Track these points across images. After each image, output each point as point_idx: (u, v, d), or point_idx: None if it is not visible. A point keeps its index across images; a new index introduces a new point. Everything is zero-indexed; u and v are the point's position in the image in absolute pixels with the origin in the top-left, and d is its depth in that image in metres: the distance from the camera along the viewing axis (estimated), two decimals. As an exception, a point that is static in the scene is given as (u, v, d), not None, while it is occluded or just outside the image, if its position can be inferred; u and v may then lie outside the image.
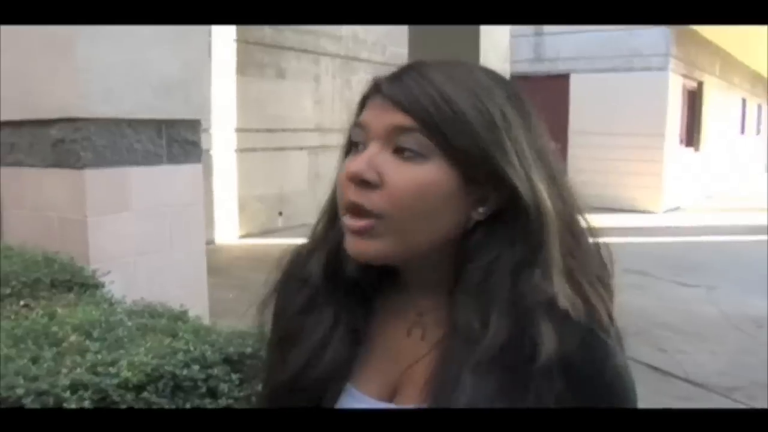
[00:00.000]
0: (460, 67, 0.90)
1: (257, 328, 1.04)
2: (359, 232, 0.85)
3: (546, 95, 14.14)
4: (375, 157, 0.85)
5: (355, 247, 0.87)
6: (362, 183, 0.84)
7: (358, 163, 0.84)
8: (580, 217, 0.91)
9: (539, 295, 0.82)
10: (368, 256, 0.87)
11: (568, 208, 0.89)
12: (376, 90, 0.89)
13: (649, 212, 13.05)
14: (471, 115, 0.84)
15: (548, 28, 14.02)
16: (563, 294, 0.82)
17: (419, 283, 0.92)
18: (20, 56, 3.31)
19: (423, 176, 0.83)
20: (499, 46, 8.08)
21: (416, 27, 7.89)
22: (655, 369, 4.72)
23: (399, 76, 0.88)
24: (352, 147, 0.90)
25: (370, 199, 0.84)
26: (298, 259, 1.00)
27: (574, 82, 14.03)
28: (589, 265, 0.88)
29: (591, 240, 0.91)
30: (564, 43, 13.82)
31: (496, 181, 0.84)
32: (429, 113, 0.83)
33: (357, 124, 0.89)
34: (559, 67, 14.11)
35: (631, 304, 6.26)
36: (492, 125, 0.84)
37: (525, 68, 13.57)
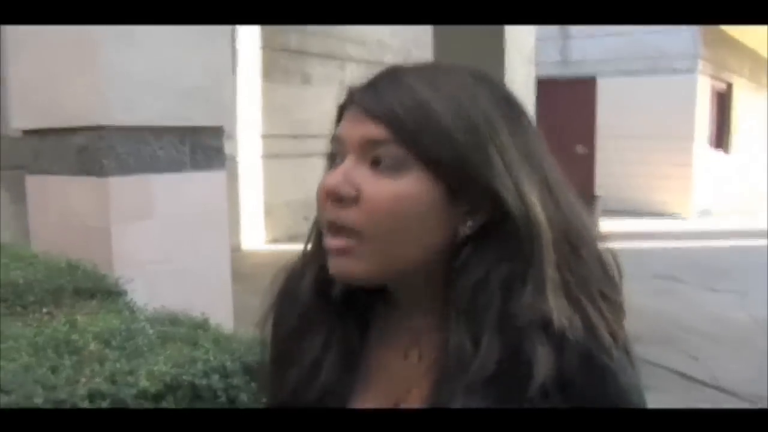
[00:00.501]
0: (439, 70, 0.85)
1: (260, 346, 1.01)
2: (339, 252, 0.81)
3: (572, 99, 14.08)
4: (351, 171, 0.81)
5: (335, 267, 0.83)
6: (339, 199, 0.80)
7: (333, 178, 0.81)
8: (580, 226, 0.84)
9: (532, 314, 0.77)
10: (349, 277, 0.83)
11: (566, 216, 0.83)
12: (351, 100, 0.85)
13: (678, 216, 12.91)
14: (448, 121, 0.79)
15: (575, 31, 13.93)
16: (559, 311, 0.77)
17: (412, 303, 0.87)
18: (45, 64, 3.33)
19: (401, 189, 0.79)
20: (524, 49, 8.03)
21: (441, 31, 7.88)
22: (686, 377, 4.64)
23: (373, 83, 0.84)
24: (332, 161, 0.86)
25: (348, 216, 0.80)
26: (291, 276, 0.97)
27: (601, 85, 13.94)
28: (589, 278, 0.82)
29: (596, 249, 0.85)
30: (590, 46, 13.73)
31: (480, 191, 0.79)
32: (402, 122, 0.79)
33: (333, 138, 0.85)
34: (586, 70, 14.02)
35: (660, 311, 6.21)
36: (473, 131, 0.79)
37: (551, 71, 13.49)
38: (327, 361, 0.90)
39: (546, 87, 11.82)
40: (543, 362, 0.75)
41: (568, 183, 0.88)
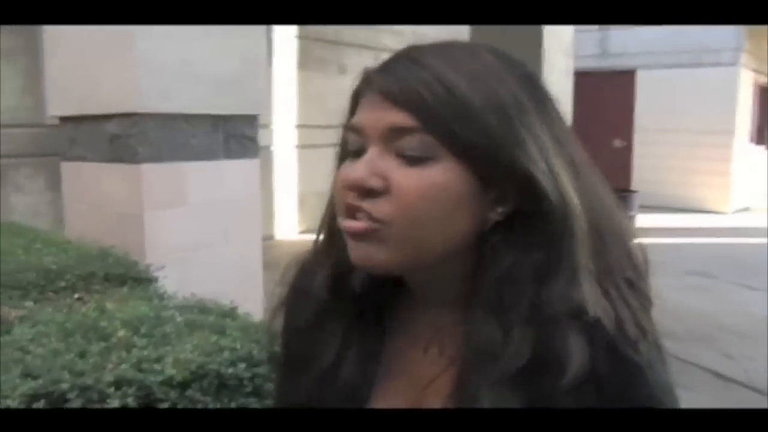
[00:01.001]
0: (460, 49, 0.79)
1: (267, 346, 0.98)
2: (361, 236, 0.76)
3: (611, 92, 13.93)
4: (377, 162, 0.75)
5: (358, 253, 0.77)
6: (365, 191, 0.75)
7: (358, 170, 0.75)
8: (608, 213, 0.80)
9: (565, 303, 0.73)
10: (373, 264, 0.78)
11: (593, 203, 0.78)
12: (368, 84, 0.79)
13: (717, 212, 12.72)
14: (478, 103, 0.73)
15: (614, 23, 13.77)
16: (593, 301, 0.73)
17: (433, 297, 0.83)
18: (80, 53, 3.35)
19: (433, 179, 0.74)
20: (562, 41, 7.95)
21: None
22: (719, 375, 4.56)
23: (391, 65, 0.79)
24: (347, 153, 0.80)
25: (375, 207, 0.75)
26: (303, 272, 0.92)
27: (641, 78, 13.76)
28: (615, 267, 0.78)
29: (623, 239, 0.81)
30: (630, 38, 13.55)
31: (514, 176, 0.74)
32: (429, 106, 0.73)
33: (350, 128, 0.79)
34: (625, 63, 13.85)
35: (695, 308, 6.13)
36: (504, 113, 0.74)
37: (590, 64, 13.35)
38: (346, 361, 0.87)
39: (584, 80, 11.69)
40: (577, 355, 0.72)
41: (595, 168, 0.84)
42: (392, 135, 0.76)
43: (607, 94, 13.91)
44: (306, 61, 9.49)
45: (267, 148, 7.94)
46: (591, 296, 0.74)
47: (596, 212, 0.79)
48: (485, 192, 0.76)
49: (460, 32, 8.15)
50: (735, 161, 13.07)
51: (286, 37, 9.14)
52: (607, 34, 14.04)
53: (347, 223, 0.77)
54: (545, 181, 0.74)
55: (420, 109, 0.74)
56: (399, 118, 0.75)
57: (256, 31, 3.69)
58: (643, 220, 8.50)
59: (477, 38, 7.80)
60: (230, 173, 3.56)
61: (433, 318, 0.84)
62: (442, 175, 0.74)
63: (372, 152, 0.76)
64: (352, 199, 0.77)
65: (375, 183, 0.75)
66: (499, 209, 0.77)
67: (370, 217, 0.76)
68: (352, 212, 0.77)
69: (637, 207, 7.65)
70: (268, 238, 7.14)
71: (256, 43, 3.70)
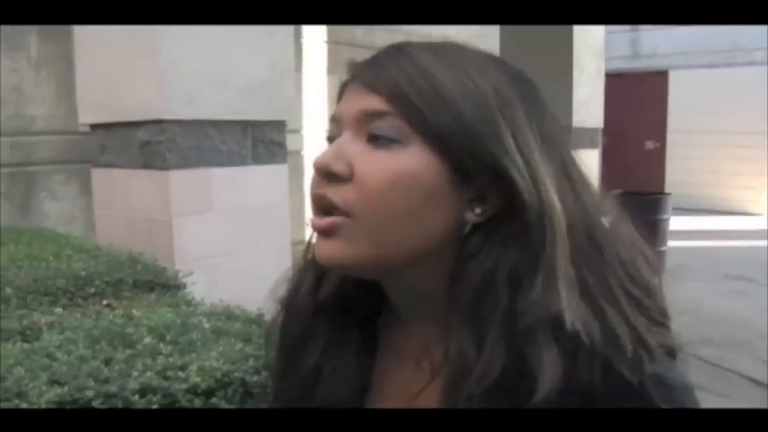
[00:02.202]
0: (448, 45, 0.78)
1: (265, 360, 0.97)
2: (326, 232, 0.73)
3: (643, 93, 13.80)
4: (345, 147, 0.73)
5: (321, 250, 0.75)
6: (330, 176, 0.73)
7: (324, 155, 0.73)
8: (604, 224, 0.75)
9: (540, 311, 0.68)
10: (338, 262, 0.74)
11: (588, 211, 0.74)
12: (352, 75, 0.79)
13: (752, 214, 12.52)
14: (454, 90, 0.71)
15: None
16: (572, 311, 0.68)
17: (418, 312, 0.80)
18: (110, 61, 3.39)
19: (399, 165, 0.71)
20: (593, 42, 7.87)
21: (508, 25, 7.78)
22: (757, 383, 4.47)
23: (376, 56, 0.77)
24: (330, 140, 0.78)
25: (339, 194, 0.72)
26: (294, 284, 0.89)
27: (673, 78, 13.60)
28: (614, 280, 0.73)
29: (624, 250, 0.76)
30: (662, 39, 13.41)
31: (491, 174, 0.71)
32: (402, 91, 0.71)
33: (331, 118, 0.78)
34: (657, 64, 13.70)
35: (731, 312, 6.05)
36: (482, 102, 0.71)
37: (621, 65, 13.24)
38: (325, 371, 0.84)
39: (616, 81, 11.60)
40: (549, 371, 0.67)
41: (589, 177, 0.79)
42: (364, 119, 0.74)
43: (640, 96, 13.78)
44: (335, 66, 9.50)
45: (298, 152, 7.95)
46: (569, 306, 0.69)
47: (591, 220, 0.75)
48: (462, 190, 0.73)
49: (490, 32, 8.11)
50: (770, 162, 12.87)
51: (315, 41, 9.16)
52: (638, 35, 13.91)
53: (312, 221, 0.76)
54: (519, 176, 0.70)
55: (393, 93, 0.72)
56: (372, 102, 0.73)
57: (284, 36, 3.70)
58: (677, 223, 8.41)
59: (507, 42, 7.76)
60: (258, 179, 3.57)
61: (421, 332, 0.81)
62: (409, 161, 0.71)
63: (343, 137, 0.75)
64: (317, 186, 0.75)
65: (338, 167, 0.73)
66: (478, 210, 0.73)
67: (334, 206, 0.73)
68: (318, 204, 0.75)
69: (670, 210, 7.55)
70: (299, 242, 7.15)
71: (284, 48, 3.71)
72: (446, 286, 0.75)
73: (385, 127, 0.72)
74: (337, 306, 0.84)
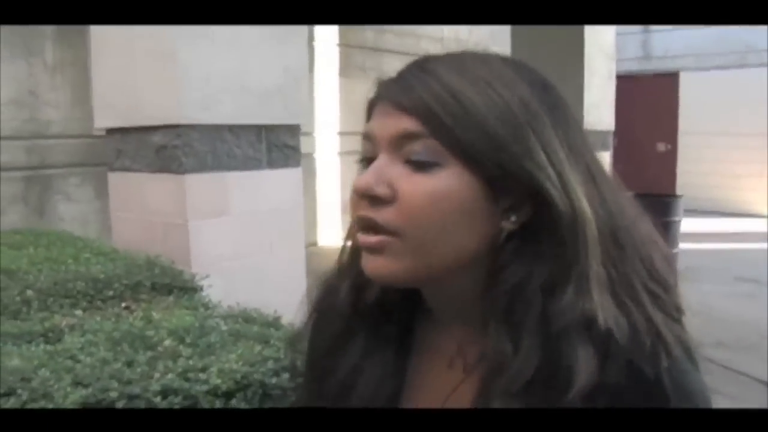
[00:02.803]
0: (470, 57, 0.80)
1: (289, 363, 0.99)
2: (374, 250, 0.78)
3: (654, 95, 13.78)
4: (384, 169, 0.77)
5: (370, 266, 0.79)
6: (373, 199, 0.77)
7: (366, 178, 0.77)
8: (627, 222, 0.79)
9: (574, 313, 0.72)
10: (386, 277, 0.79)
11: (612, 211, 0.78)
12: (380, 94, 0.81)
13: (764, 217, 12.47)
14: (484, 108, 0.74)
15: (657, 25, 13.61)
16: (605, 310, 0.72)
17: (452, 312, 0.84)
18: (126, 65, 3.42)
19: (438, 186, 0.75)
20: (604, 44, 7.88)
21: (519, 27, 7.80)
22: (768, 385, 4.49)
23: (402, 75, 0.81)
24: (364, 160, 0.82)
25: (383, 215, 0.76)
26: (328, 289, 0.93)
27: (685, 80, 13.58)
28: (635, 278, 0.77)
29: (645, 247, 0.80)
30: (673, 40, 13.39)
31: (521, 183, 0.74)
32: (434, 113, 0.75)
33: (364, 136, 0.81)
34: (669, 65, 13.68)
35: (742, 315, 6.05)
36: (511, 120, 0.74)
37: (632, 67, 13.22)
38: (365, 372, 0.88)
39: (627, 83, 11.59)
40: (584, 367, 0.71)
41: (613, 177, 0.83)
42: (400, 141, 0.77)
43: (651, 98, 13.76)
44: (347, 69, 9.54)
45: (310, 155, 8.00)
46: (602, 306, 0.73)
47: (614, 221, 0.78)
48: (497, 200, 0.76)
49: (501, 35, 8.14)
50: (782, 164, 12.82)
51: (327, 45, 9.20)
52: (649, 36, 13.90)
53: (360, 237, 0.79)
54: (553, 189, 0.74)
55: (426, 115, 0.75)
56: (406, 124, 0.76)
57: (299, 41, 3.73)
58: (688, 225, 8.39)
59: (518, 44, 7.78)
60: (273, 183, 3.61)
61: (456, 333, 0.85)
62: (447, 181, 0.75)
63: (381, 159, 0.78)
64: (362, 209, 0.78)
65: (381, 190, 0.77)
66: (513, 218, 0.77)
67: (379, 227, 0.77)
68: (364, 224, 0.78)
69: (682, 212, 7.54)
70: (311, 244, 7.19)
71: (299, 53, 3.74)
72: (482, 288, 0.79)
73: (421, 150, 0.75)
74: (378, 310, 0.88)
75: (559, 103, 0.81)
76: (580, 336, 0.73)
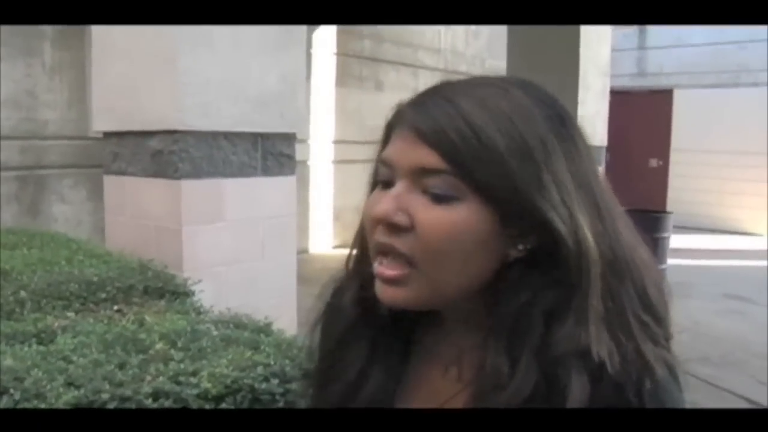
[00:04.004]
0: (492, 87, 0.82)
1: (303, 362, 1.02)
2: (391, 281, 0.81)
3: (648, 111, 13.84)
4: (403, 198, 0.79)
5: (385, 295, 0.82)
6: (391, 226, 0.80)
7: (385, 205, 0.80)
8: (627, 254, 0.82)
9: (572, 344, 0.76)
10: (399, 304, 0.83)
11: (613, 244, 0.81)
12: (401, 118, 0.83)
13: (754, 234, 12.54)
14: (503, 147, 0.77)
15: (652, 42, 13.69)
16: (599, 343, 0.76)
17: (455, 322, 0.88)
18: (125, 70, 3.45)
19: (456, 219, 0.78)
20: (599, 61, 7.94)
21: (515, 41, 7.85)
22: (753, 402, 4.50)
23: (424, 102, 0.82)
24: (378, 182, 0.84)
25: (403, 243, 0.79)
26: (337, 289, 0.97)
27: (678, 97, 13.64)
28: (628, 308, 0.80)
29: (641, 279, 0.82)
30: (668, 58, 13.46)
31: (534, 219, 0.78)
32: (457, 150, 0.77)
33: (382, 161, 0.84)
34: (663, 82, 13.74)
35: (729, 332, 6.09)
36: (529, 157, 0.78)
37: (627, 83, 13.29)
38: (372, 374, 0.91)
39: (621, 99, 11.65)
40: (577, 393, 0.74)
41: (617, 206, 0.86)
42: (420, 173, 0.79)
43: (644, 114, 13.82)
44: (344, 78, 9.58)
45: (304, 162, 8.03)
46: (597, 340, 0.76)
47: (617, 254, 0.81)
48: (507, 229, 0.79)
49: (498, 47, 8.15)
50: (773, 183, 12.89)
51: (324, 53, 9.24)
52: (644, 53, 13.98)
53: (378, 269, 0.82)
54: (563, 227, 0.77)
55: (447, 150, 0.78)
56: (427, 157, 0.78)
57: (297, 49, 3.76)
58: (678, 241, 8.44)
59: (515, 58, 7.83)
60: (267, 190, 3.64)
61: (455, 340, 0.88)
62: (465, 215, 0.78)
63: (399, 187, 0.80)
64: (379, 235, 0.81)
65: (400, 219, 0.79)
66: (520, 246, 0.80)
67: (398, 253, 0.80)
68: (381, 250, 0.81)
69: (671, 228, 7.60)
70: (302, 251, 7.22)
71: (296, 62, 3.78)
72: (488, 305, 0.82)
73: (440, 184, 0.78)
74: (384, 317, 0.91)
75: (573, 133, 0.83)
76: (576, 364, 0.76)
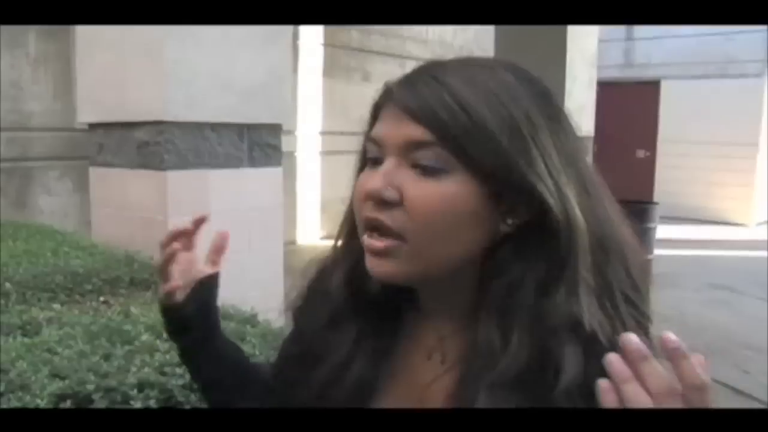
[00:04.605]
0: (479, 67, 0.83)
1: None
2: (380, 253, 0.81)
3: (635, 102, 13.87)
4: (393, 173, 0.80)
5: (375, 267, 0.82)
6: (381, 202, 0.80)
7: (375, 181, 0.80)
8: (613, 231, 0.83)
9: (564, 316, 0.77)
10: (389, 278, 0.83)
11: (600, 220, 0.82)
12: (389, 97, 0.84)
13: (739, 225, 12.61)
14: (492, 123, 0.77)
15: (639, 33, 13.70)
16: (590, 314, 0.77)
17: (440, 306, 0.88)
18: (110, 63, 3.45)
19: (445, 192, 0.78)
20: (586, 51, 7.95)
21: (503, 32, 7.85)
22: (737, 391, 4.54)
23: (412, 80, 0.83)
24: (367, 161, 0.85)
25: (392, 217, 0.79)
26: (323, 272, 0.97)
27: (665, 88, 13.66)
28: (615, 283, 0.81)
29: (626, 256, 0.83)
30: (655, 48, 13.48)
31: (523, 193, 0.78)
32: (445, 124, 0.77)
33: (370, 139, 0.84)
34: (650, 73, 13.76)
35: (714, 321, 6.13)
36: (516, 132, 0.78)
37: (614, 74, 13.30)
38: (358, 357, 0.91)
39: (608, 90, 11.67)
40: (572, 363, 0.75)
41: (603, 187, 0.87)
42: (409, 148, 0.80)
43: (631, 105, 13.85)
44: (331, 69, 9.56)
45: (291, 154, 8.01)
46: (588, 310, 0.77)
47: (602, 228, 0.82)
48: (497, 204, 0.80)
49: (485, 38, 8.16)
50: (758, 173, 12.94)
51: (311, 44, 9.21)
52: (631, 44, 14.00)
53: (367, 241, 0.82)
54: (551, 199, 0.78)
55: (436, 125, 0.78)
56: (416, 132, 0.79)
57: (283, 41, 3.76)
58: (664, 231, 8.48)
59: (502, 47, 7.83)
60: (254, 181, 3.64)
61: (438, 326, 0.89)
62: (453, 188, 0.78)
63: (389, 163, 0.81)
64: (369, 210, 0.81)
65: (390, 194, 0.79)
66: (510, 221, 0.81)
67: (387, 228, 0.80)
68: (371, 225, 0.81)
69: (657, 219, 7.62)
70: (290, 243, 7.21)
71: (282, 53, 3.77)
72: (476, 285, 0.83)
73: (429, 157, 0.79)
74: (371, 300, 0.91)
75: (557, 112, 0.84)
76: (569, 335, 0.76)
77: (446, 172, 0.78)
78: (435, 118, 0.78)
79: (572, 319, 0.77)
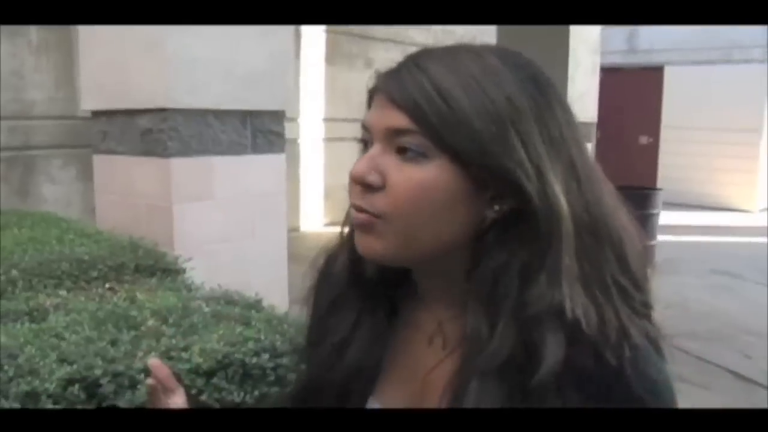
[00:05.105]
0: (465, 54, 0.84)
1: (292, 336, 1.04)
2: (363, 228, 0.84)
3: (639, 88, 13.84)
4: (377, 159, 0.83)
5: (361, 243, 0.86)
6: (366, 186, 0.83)
7: (360, 166, 0.83)
8: (605, 216, 0.83)
9: (545, 303, 0.78)
10: (374, 254, 0.85)
11: (590, 205, 0.82)
12: (377, 85, 0.86)
13: (743, 211, 12.60)
14: (469, 109, 0.79)
15: (643, 19, 13.63)
16: (573, 302, 0.78)
17: (436, 292, 0.90)
18: (113, 51, 3.45)
19: (425, 177, 0.80)
20: (589, 38, 7.94)
21: (505, 18, 7.84)
22: (739, 376, 4.55)
23: (398, 68, 0.85)
24: (364, 146, 0.88)
25: (372, 202, 0.83)
26: (329, 258, 1.01)
27: (669, 74, 13.62)
28: (605, 269, 0.82)
29: (620, 241, 0.84)
30: (659, 34, 13.43)
31: (501, 179, 0.80)
32: (424, 112, 0.80)
33: (362, 125, 0.87)
34: (654, 59, 13.72)
35: (717, 307, 6.15)
36: (495, 119, 0.79)
37: (617, 60, 13.28)
38: (355, 340, 0.94)
39: (612, 76, 11.65)
40: (552, 351, 0.76)
41: (597, 169, 0.87)
42: (392, 134, 0.82)
43: (635, 91, 13.82)
44: (333, 56, 9.54)
45: (294, 140, 8.01)
46: (570, 297, 0.78)
47: (594, 215, 0.82)
48: (481, 191, 0.81)
49: (489, 28, 8.18)
50: (762, 159, 12.92)
51: (314, 31, 9.19)
52: (635, 31, 13.94)
53: (353, 215, 0.86)
54: (529, 185, 0.79)
55: (415, 113, 0.80)
56: (398, 119, 0.81)
57: (285, 28, 3.76)
58: (668, 217, 8.48)
59: (504, 37, 7.81)
60: (257, 168, 3.64)
61: (438, 312, 0.90)
62: (434, 173, 0.80)
63: (374, 149, 0.84)
64: (355, 195, 0.85)
65: (373, 179, 0.83)
66: (495, 207, 0.82)
67: (366, 211, 0.83)
68: (356, 209, 0.85)
69: (661, 205, 7.63)
70: (293, 229, 7.22)
71: (284, 40, 3.77)
72: (466, 271, 0.84)
73: (411, 142, 0.81)
74: (371, 283, 0.94)
75: (550, 98, 0.84)
76: (551, 323, 0.77)
77: (427, 157, 0.80)
78: (415, 106, 0.80)
79: (555, 307, 0.78)
